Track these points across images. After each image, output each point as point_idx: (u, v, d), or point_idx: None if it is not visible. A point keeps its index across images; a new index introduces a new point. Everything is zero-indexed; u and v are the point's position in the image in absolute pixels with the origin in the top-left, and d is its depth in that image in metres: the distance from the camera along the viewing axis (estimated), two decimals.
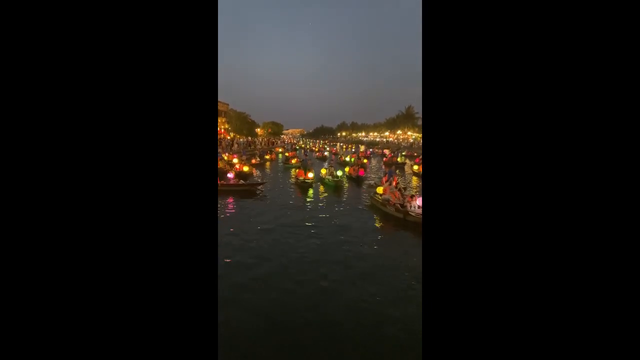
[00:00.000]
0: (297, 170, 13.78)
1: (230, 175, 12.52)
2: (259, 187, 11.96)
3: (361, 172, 14.80)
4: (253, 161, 19.10)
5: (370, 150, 38.05)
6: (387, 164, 23.63)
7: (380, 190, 9.30)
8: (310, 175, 13.06)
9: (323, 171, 13.84)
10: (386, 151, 32.55)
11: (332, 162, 20.61)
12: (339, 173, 13.51)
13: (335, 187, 12.32)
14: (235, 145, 30.76)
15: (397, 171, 13.06)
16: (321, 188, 12.51)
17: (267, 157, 26.11)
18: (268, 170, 18.61)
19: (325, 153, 31.51)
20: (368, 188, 11.85)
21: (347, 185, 13.28)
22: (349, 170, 15.13)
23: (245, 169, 14.15)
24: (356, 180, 14.11)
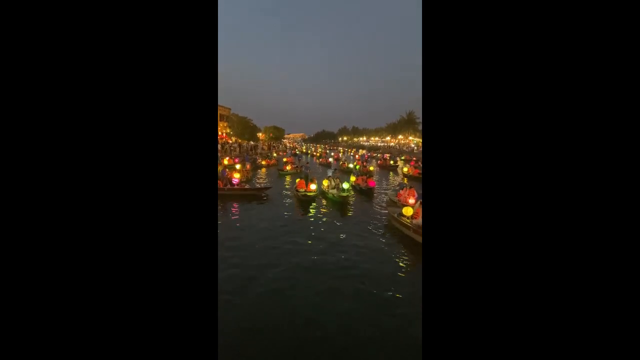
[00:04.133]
0: (298, 180, 11.69)
1: (235, 180, 12.18)
2: (265, 192, 11.73)
3: (371, 182, 12.63)
4: (248, 167, 17.96)
5: (368, 154, 38.16)
6: (382, 167, 24.98)
7: (408, 211, 7.00)
8: (313, 187, 10.93)
9: (325, 183, 11.63)
10: (387, 156, 32.37)
11: (336, 169, 19.22)
12: (345, 186, 10.90)
13: (341, 204, 10.05)
14: (237, 150, 30.03)
15: (390, 173, 12.16)
16: (323, 202, 10.58)
17: (264, 162, 24.39)
18: (265, 178, 17.19)
19: (330, 159, 29.21)
20: (380, 202, 9.97)
21: (352, 196, 10.93)
22: (356, 180, 12.98)
23: (237, 175, 12.81)
24: (366, 193, 11.96)
